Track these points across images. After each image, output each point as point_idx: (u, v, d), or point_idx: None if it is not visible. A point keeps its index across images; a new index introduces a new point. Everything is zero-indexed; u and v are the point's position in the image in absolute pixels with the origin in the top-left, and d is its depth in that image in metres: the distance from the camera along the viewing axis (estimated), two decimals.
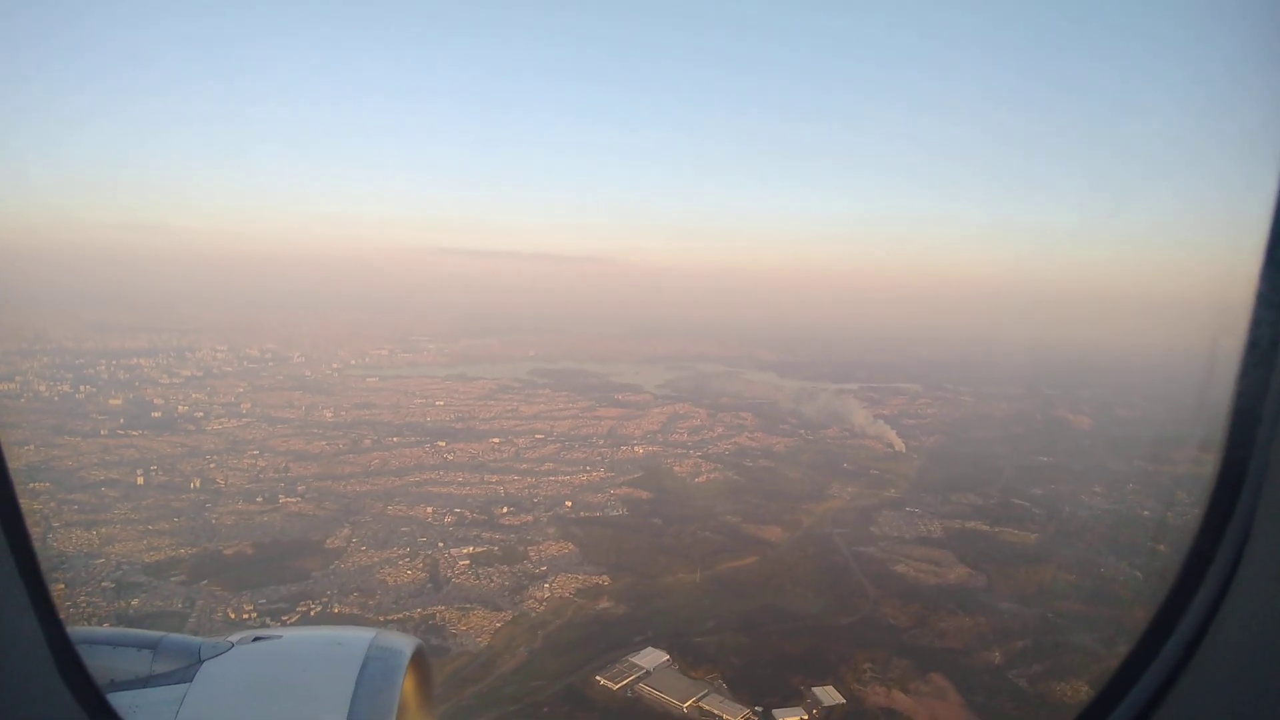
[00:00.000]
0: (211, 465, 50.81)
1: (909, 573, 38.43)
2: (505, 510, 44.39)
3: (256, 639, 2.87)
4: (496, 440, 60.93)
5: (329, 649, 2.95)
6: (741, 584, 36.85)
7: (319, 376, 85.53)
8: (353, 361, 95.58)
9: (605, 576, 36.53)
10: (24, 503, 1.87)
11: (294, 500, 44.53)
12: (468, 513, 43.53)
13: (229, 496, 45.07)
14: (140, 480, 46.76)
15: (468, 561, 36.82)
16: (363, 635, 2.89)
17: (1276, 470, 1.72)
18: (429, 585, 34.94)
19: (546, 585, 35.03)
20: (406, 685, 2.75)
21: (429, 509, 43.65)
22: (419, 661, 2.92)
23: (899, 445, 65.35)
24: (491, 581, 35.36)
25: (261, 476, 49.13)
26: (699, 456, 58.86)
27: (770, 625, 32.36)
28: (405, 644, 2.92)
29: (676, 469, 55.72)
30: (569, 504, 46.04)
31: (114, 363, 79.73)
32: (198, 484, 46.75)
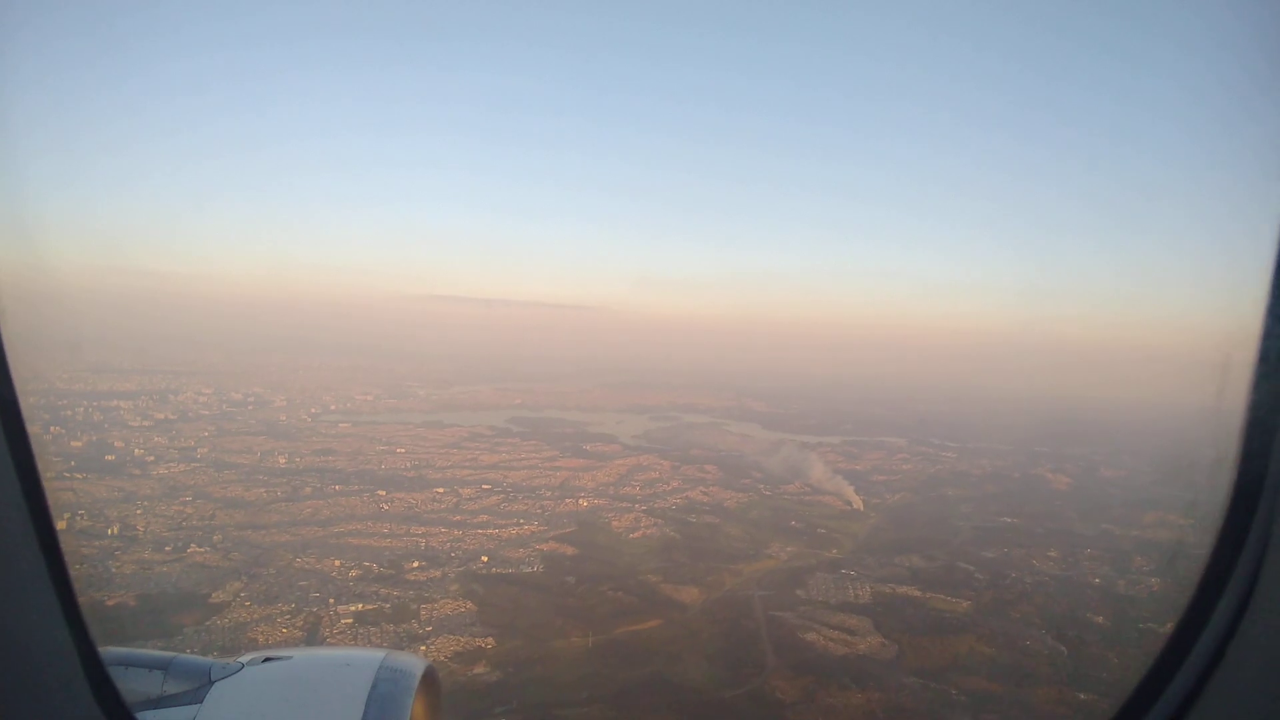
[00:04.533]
0: (138, 511, 50.20)
1: (818, 641, 36.35)
2: (416, 565, 43.09)
3: (267, 659, 2.87)
4: (440, 490, 59.90)
5: (339, 670, 2.95)
6: (636, 650, 35.04)
7: (293, 421, 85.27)
8: (333, 407, 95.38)
9: (491, 639, 34.92)
10: (59, 523, 1.93)
11: (203, 550, 43.66)
12: (376, 566, 42.31)
13: (140, 544, 44.35)
14: (62, 525, 45.71)
15: (351, 620, 35.54)
16: (373, 656, 2.91)
17: None
18: (301, 645, 33.68)
19: (424, 647, 33.53)
20: (416, 706, 2.74)
21: (337, 562, 42.50)
22: (428, 682, 2.92)
23: (856, 503, 63.26)
24: (369, 642, 33.96)
25: (183, 524, 48.40)
26: (642, 511, 57.23)
27: (646, 697, 30.50)
28: (415, 665, 2.93)
29: (614, 524, 54.15)
30: (485, 559, 44.61)
31: (94, 404, 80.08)
32: (115, 530, 46.11)
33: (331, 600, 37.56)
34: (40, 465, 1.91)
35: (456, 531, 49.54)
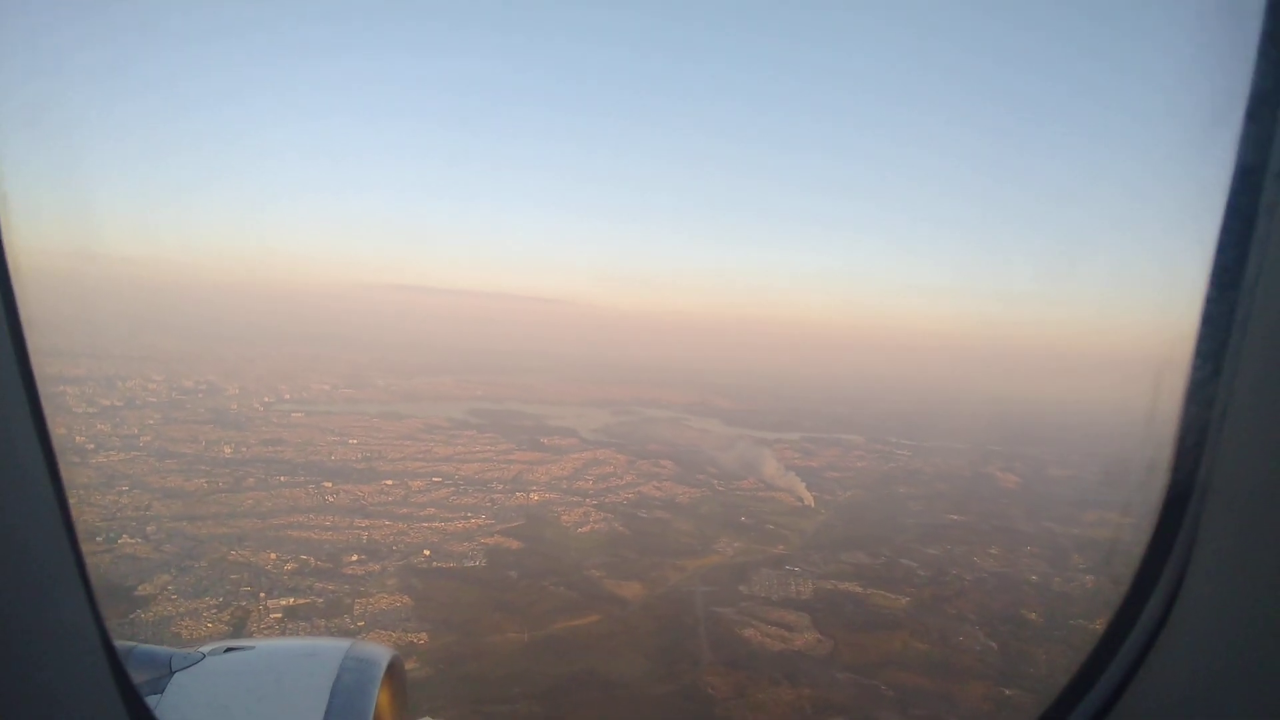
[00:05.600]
0: (73, 500, 48.14)
1: (755, 637, 36.51)
2: (355, 558, 42.36)
3: (229, 649, 2.81)
4: (389, 482, 58.93)
5: (303, 660, 2.88)
6: (572, 646, 34.82)
7: (244, 410, 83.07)
8: (288, 396, 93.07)
9: (424, 635, 34.43)
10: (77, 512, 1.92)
11: (135, 541, 42.41)
12: (313, 560, 41.46)
13: None
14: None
15: (280, 615, 34.80)
16: (337, 645, 2.86)
17: (1218, 490, 1.88)
18: (227, 639, 32.83)
19: None
20: (382, 697, 2.68)
21: (273, 555, 41.56)
22: (394, 673, 2.87)
23: (808, 499, 63.75)
24: (297, 638, 33.31)
25: (118, 515, 46.90)
26: (593, 505, 57.00)
27: (577, 694, 30.34)
28: (381, 655, 2.88)
29: (564, 518, 53.84)
30: (427, 553, 44.03)
31: (40, 389, 77.14)
32: None
33: (262, 594, 36.71)
34: (60, 460, 1.87)
35: (401, 525, 48.82)
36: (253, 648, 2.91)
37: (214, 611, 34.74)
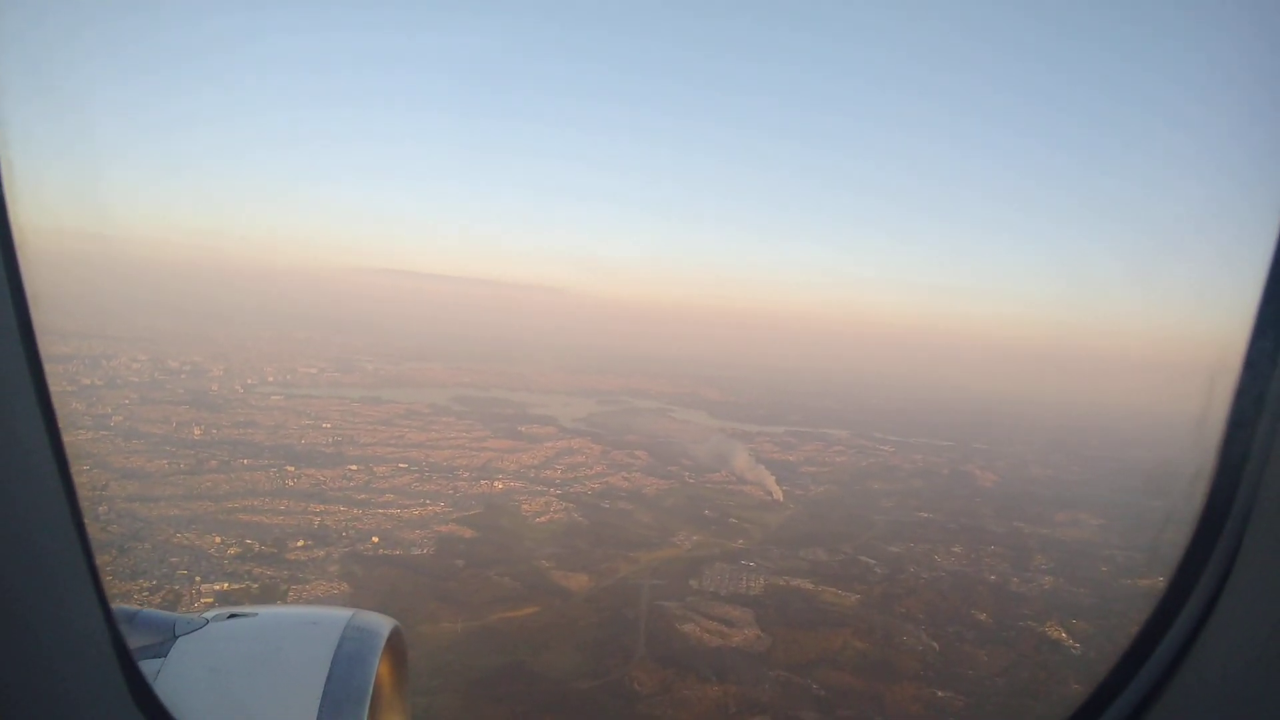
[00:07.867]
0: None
1: (694, 632, 36.06)
2: (301, 544, 42.06)
3: (231, 616, 2.81)
4: (354, 467, 58.62)
5: (304, 628, 2.86)
6: (506, 637, 34.45)
7: (224, 392, 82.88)
8: (271, 379, 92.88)
9: None
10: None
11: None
12: (258, 544, 41.19)
13: None
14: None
15: (212, 599, 34.50)
16: (339, 615, 2.84)
17: (1265, 503, 1.80)
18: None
19: None
20: (382, 667, 2.66)
21: (218, 539, 41.29)
22: (395, 643, 2.85)
23: (777, 494, 63.26)
24: None
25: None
26: (556, 495, 56.62)
27: (500, 686, 29.93)
28: (382, 625, 2.87)
29: (525, 507, 53.45)
30: (375, 539, 43.74)
31: None
32: None
33: (198, 579, 36.44)
34: (69, 449, 1.90)
35: (356, 510, 48.53)
36: (255, 615, 2.91)
37: (146, 594, 34.42)
